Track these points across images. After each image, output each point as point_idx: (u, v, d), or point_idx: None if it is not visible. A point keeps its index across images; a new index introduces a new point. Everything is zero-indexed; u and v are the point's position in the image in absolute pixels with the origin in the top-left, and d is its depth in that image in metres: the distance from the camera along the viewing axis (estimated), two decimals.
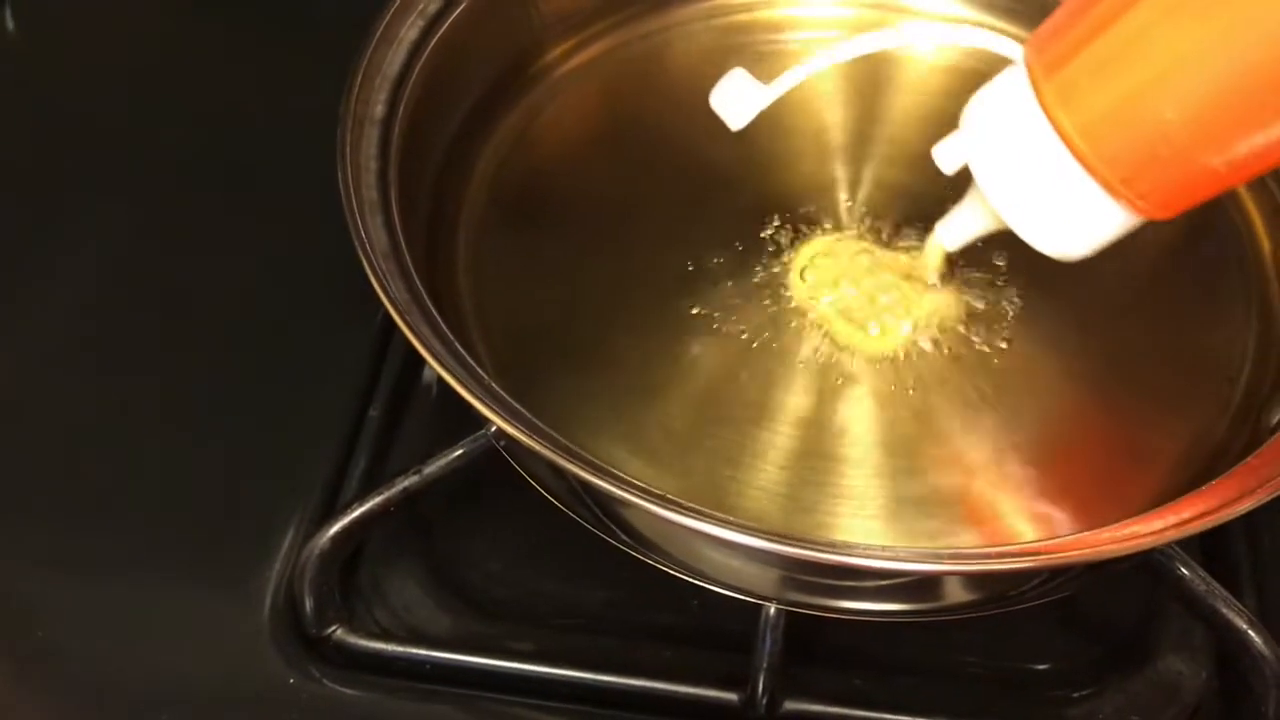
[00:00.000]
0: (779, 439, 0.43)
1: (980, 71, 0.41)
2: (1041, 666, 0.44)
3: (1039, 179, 0.38)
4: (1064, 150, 0.37)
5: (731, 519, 0.34)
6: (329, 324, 0.51)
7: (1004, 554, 0.36)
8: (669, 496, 0.34)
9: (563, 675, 0.42)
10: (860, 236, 0.47)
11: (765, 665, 0.40)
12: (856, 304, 0.46)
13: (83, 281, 0.52)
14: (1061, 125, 0.37)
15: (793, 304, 0.46)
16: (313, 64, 0.55)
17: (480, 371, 0.38)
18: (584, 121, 0.51)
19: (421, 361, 0.50)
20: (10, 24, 0.62)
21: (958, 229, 0.44)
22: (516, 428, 0.35)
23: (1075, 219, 0.39)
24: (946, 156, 0.41)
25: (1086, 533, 0.37)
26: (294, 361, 0.50)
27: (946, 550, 0.39)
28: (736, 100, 0.42)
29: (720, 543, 0.36)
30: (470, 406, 0.36)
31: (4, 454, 0.47)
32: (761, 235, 0.48)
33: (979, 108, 0.40)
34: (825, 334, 0.45)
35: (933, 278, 0.46)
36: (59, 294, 0.51)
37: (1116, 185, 0.37)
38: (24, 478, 0.46)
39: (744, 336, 0.45)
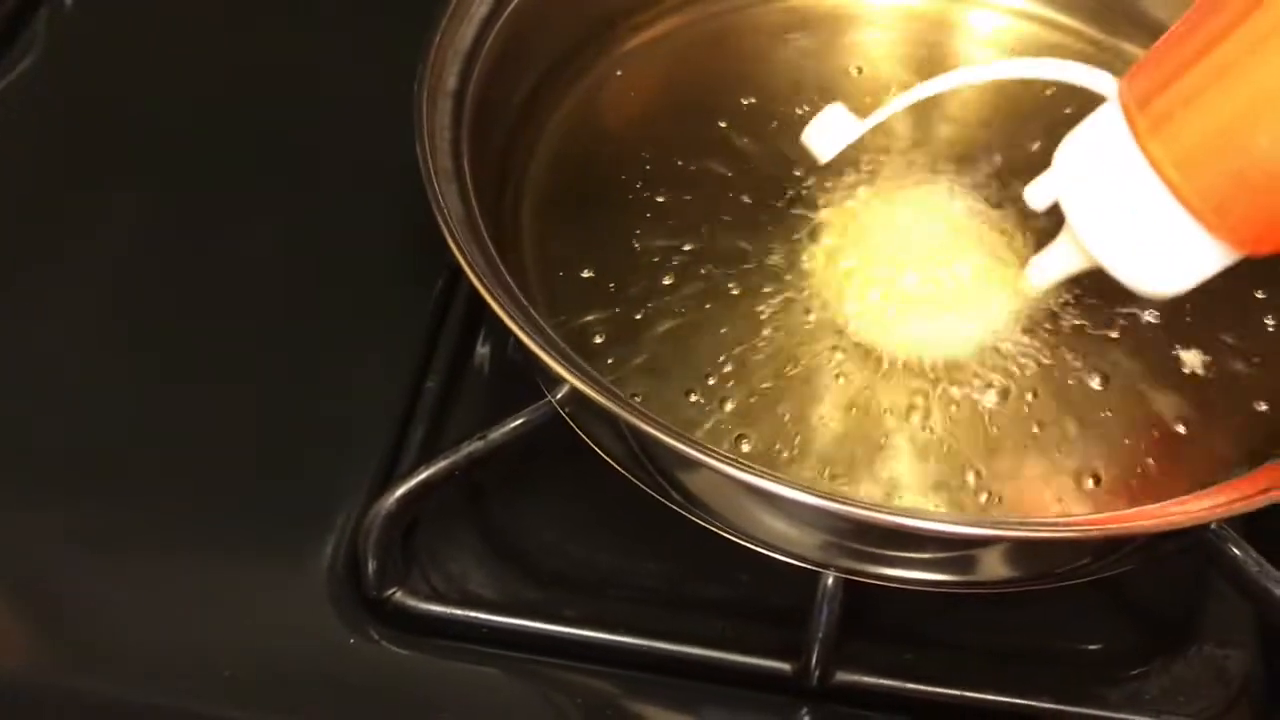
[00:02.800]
0: (834, 412, 0.43)
1: None
2: (1089, 646, 0.45)
3: (1132, 214, 0.38)
4: (1158, 183, 0.37)
5: (805, 484, 0.35)
6: (385, 297, 0.51)
7: (1065, 523, 0.37)
8: (748, 463, 0.35)
9: (615, 641, 0.43)
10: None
11: (820, 636, 0.41)
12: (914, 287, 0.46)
13: (139, 249, 0.52)
14: (1155, 157, 0.37)
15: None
16: (378, 38, 0.56)
17: (555, 337, 0.38)
18: (647, 97, 0.51)
19: (476, 335, 0.51)
20: (69, 1, 0.63)
21: (1048, 267, 0.43)
22: (597, 390, 0.36)
23: (1168, 255, 0.38)
24: (1037, 194, 0.41)
25: (1144, 507, 0.38)
26: (352, 333, 0.50)
27: (1007, 519, 0.40)
28: (829, 132, 0.43)
29: (793, 505, 0.36)
30: (548, 369, 0.37)
31: (55, 430, 0.47)
32: (817, 218, 0.48)
33: (1072, 144, 0.40)
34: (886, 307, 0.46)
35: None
36: (113, 261, 0.52)
37: (1210, 217, 0.37)
38: (77, 453, 0.46)
39: (801, 311, 0.46)
